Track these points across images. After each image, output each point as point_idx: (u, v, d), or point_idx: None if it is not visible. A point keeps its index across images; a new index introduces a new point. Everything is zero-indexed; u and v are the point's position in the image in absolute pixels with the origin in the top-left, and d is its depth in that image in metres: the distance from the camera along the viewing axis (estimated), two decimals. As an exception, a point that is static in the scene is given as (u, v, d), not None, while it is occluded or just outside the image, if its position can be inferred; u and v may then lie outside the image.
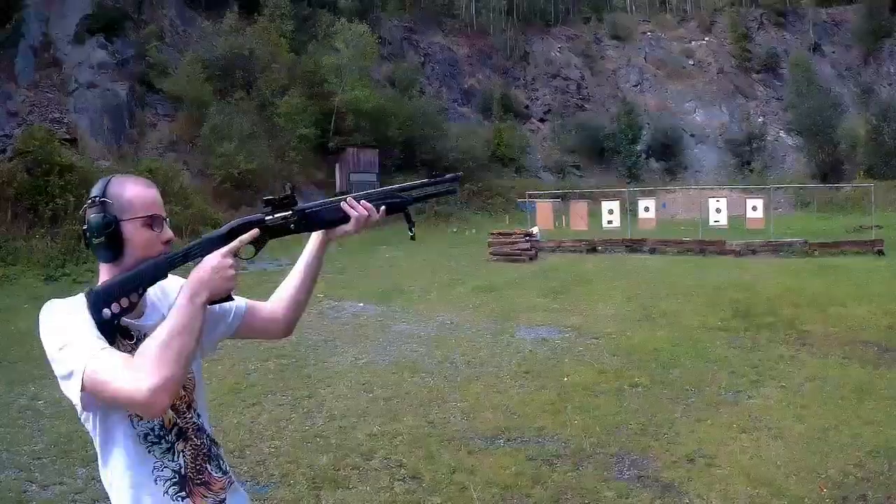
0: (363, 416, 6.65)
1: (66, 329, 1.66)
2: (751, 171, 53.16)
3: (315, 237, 2.07)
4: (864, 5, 59.18)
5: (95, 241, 1.79)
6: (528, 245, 22.21)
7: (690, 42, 66.69)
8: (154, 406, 1.57)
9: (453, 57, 59.90)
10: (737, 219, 26.70)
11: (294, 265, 2.13)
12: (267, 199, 1.91)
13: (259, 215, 1.89)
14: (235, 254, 1.80)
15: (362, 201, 1.95)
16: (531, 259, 21.85)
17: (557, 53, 65.16)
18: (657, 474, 5.28)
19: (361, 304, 13.46)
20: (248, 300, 2.14)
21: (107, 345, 1.64)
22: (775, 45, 64.16)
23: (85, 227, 1.80)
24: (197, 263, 1.77)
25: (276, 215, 1.88)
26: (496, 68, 61.75)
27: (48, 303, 1.76)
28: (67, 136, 26.81)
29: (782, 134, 57.24)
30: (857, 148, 48.75)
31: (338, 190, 37.58)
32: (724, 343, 9.57)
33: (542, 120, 60.03)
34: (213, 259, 1.74)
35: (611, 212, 26.22)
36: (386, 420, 6.53)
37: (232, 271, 1.75)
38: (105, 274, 1.84)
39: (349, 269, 18.88)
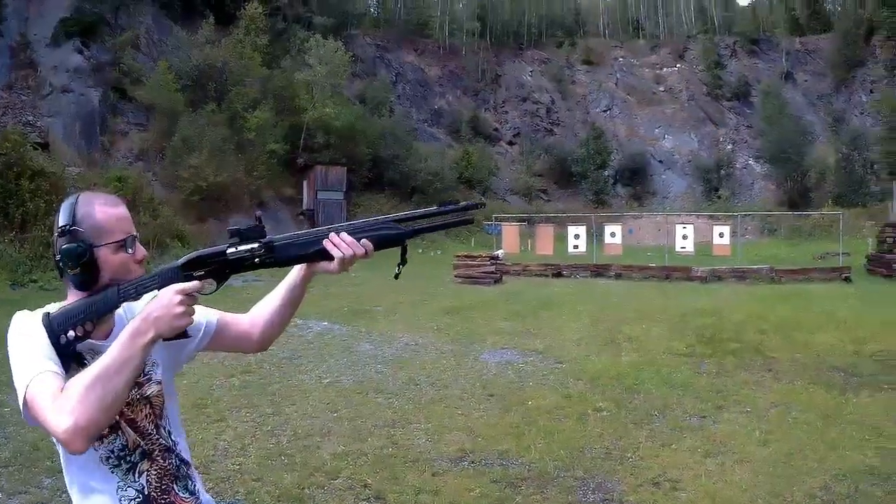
0: (328, 436, 6.65)
1: (23, 345, 1.66)
2: (718, 197, 53.92)
3: (297, 267, 1.94)
4: (839, 34, 60.11)
5: (70, 271, 1.76)
6: (493, 268, 22.32)
7: (662, 68, 67.62)
8: (70, 446, 1.53)
9: (424, 77, 60.24)
10: (703, 245, 27.06)
11: (278, 284, 2.04)
12: (233, 230, 1.79)
13: (222, 247, 1.78)
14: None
15: (345, 236, 1.78)
16: (496, 282, 21.97)
17: (528, 77, 65.75)
18: (622, 497, 5.34)
19: (326, 323, 13.44)
20: (220, 314, 2.07)
21: (54, 367, 1.62)
22: (747, 72, 65.26)
23: (58, 257, 1.76)
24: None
25: (239, 248, 1.76)
26: (467, 90, 62.17)
27: (17, 314, 1.75)
28: (39, 140, 26.55)
29: (751, 161, 58.16)
30: (826, 176, 49.51)
31: (304, 207, 37.53)
32: (690, 368, 9.69)
33: (510, 143, 60.50)
34: (165, 296, 1.66)
35: (577, 236, 26.49)
36: (351, 440, 6.54)
37: (182, 308, 1.65)
38: (71, 296, 1.82)
39: (314, 287, 18.62)
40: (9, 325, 1.73)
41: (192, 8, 40.74)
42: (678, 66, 67.92)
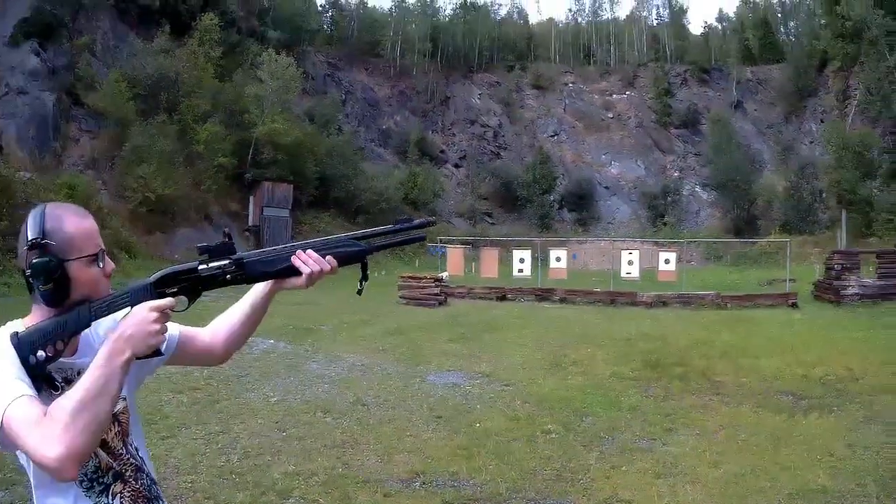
0: (277, 455, 6.66)
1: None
2: (664, 224, 54.57)
3: (263, 283, 1.94)
4: (791, 65, 61.33)
5: (42, 287, 1.68)
6: (437, 290, 22.39)
7: (611, 95, 68.55)
8: (60, 474, 1.48)
9: (374, 97, 60.33)
10: (649, 271, 27.43)
11: (241, 298, 2.04)
12: (202, 247, 1.78)
13: (193, 263, 1.77)
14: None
15: (311, 253, 1.81)
16: (440, 304, 22.03)
17: (477, 100, 66.19)
18: (574, 519, 5.47)
19: (272, 341, 13.38)
20: (182, 328, 2.03)
21: (29, 390, 1.57)
22: (697, 101, 66.27)
23: (28, 272, 1.67)
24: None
25: (210, 265, 1.76)
26: (415, 110, 62.36)
27: None
28: (-7, 142, 26.06)
29: (698, 188, 59.08)
30: (773, 203, 50.40)
31: (250, 223, 37.24)
32: (637, 392, 9.84)
33: (457, 165, 60.73)
34: (139, 314, 1.64)
35: (522, 260, 26.67)
36: (300, 460, 6.55)
37: (157, 326, 1.63)
38: (37, 313, 1.75)
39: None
40: None
41: (149, 16, 40.40)
42: (627, 93, 68.98)
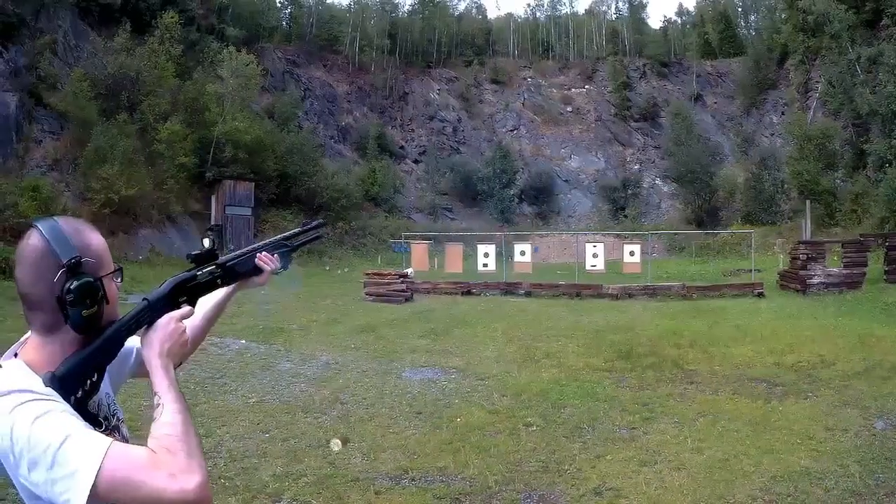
0: (264, 457, 6.66)
1: (60, 421, 1.39)
2: (625, 216, 55.01)
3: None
4: (751, 59, 62.04)
5: (86, 313, 1.52)
6: (403, 286, 22.41)
7: (570, 89, 68.81)
8: (206, 502, 1.41)
9: (333, 93, 60.06)
10: (613, 263, 27.67)
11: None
12: (192, 255, 1.82)
13: (192, 272, 1.80)
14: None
15: (265, 254, 2.03)
16: (407, 300, 22.05)
17: (436, 95, 66.16)
18: (566, 508, 5.57)
19: (244, 342, 13.33)
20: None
21: (104, 435, 1.45)
22: (656, 94, 66.71)
23: (69, 297, 1.49)
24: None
25: (203, 271, 1.82)
26: (374, 107, 62.21)
27: (5, 393, 1.44)
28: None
29: (658, 181, 59.47)
30: (734, 195, 50.96)
31: (213, 222, 36.91)
32: (612, 383, 9.99)
33: (416, 161, 60.70)
34: (169, 327, 1.62)
35: (486, 255, 26.77)
36: (288, 461, 6.56)
37: (186, 336, 1.66)
38: (49, 343, 1.57)
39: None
40: None
41: (110, 15, 39.83)
42: (586, 87, 69.33)
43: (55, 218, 1.59)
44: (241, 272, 1.97)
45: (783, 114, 56.46)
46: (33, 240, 1.54)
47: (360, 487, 5.92)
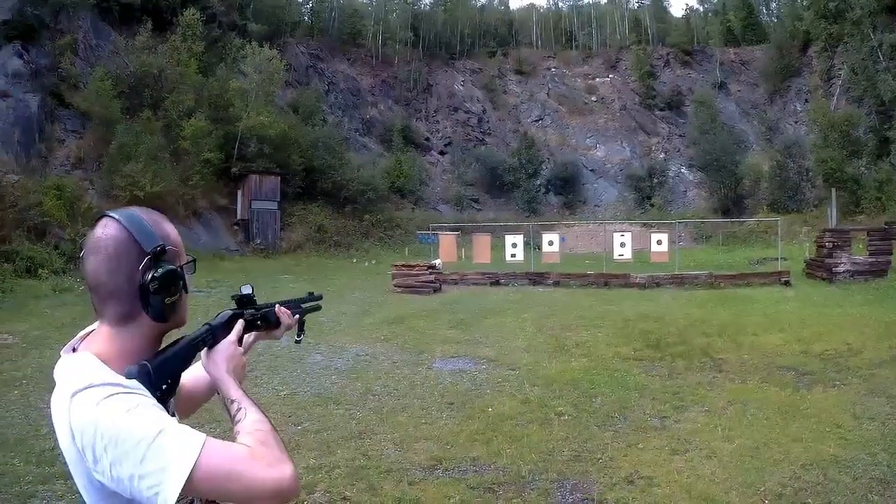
0: (296, 449, 6.64)
1: (152, 415, 1.39)
2: (651, 205, 54.47)
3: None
4: (774, 46, 61.23)
5: (169, 300, 1.54)
6: (432, 277, 22.39)
7: (594, 79, 68.27)
8: (296, 490, 1.45)
9: (356, 86, 60.03)
10: (641, 252, 27.48)
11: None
12: (237, 296, 1.87)
13: (240, 311, 1.85)
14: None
15: (283, 308, 2.04)
16: (435, 291, 22.03)
17: (460, 86, 65.92)
18: (601, 497, 5.52)
19: (274, 334, 13.34)
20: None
21: (203, 433, 1.42)
22: (680, 83, 65.95)
23: (153, 285, 1.50)
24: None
25: (247, 311, 1.87)
26: (398, 99, 62.11)
27: (86, 387, 1.41)
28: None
29: (684, 170, 58.90)
30: (760, 183, 50.35)
31: (239, 217, 37.09)
32: (642, 371, 9.94)
33: (441, 152, 60.49)
34: (230, 349, 1.70)
35: (514, 245, 26.67)
36: (320, 453, 6.55)
37: (245, 359, 1.76)
38: (115, 335, 1.54)
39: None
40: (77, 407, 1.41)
41: (130, 14, 39.98)
42: (610, 76, 68.78)
43: (132, 209, 1.61)
44: (269, 321, 2.00)
45: (807, 101, 55.56)
46: (111, 230, 1.53)
47: (394, 478, 5.90)
